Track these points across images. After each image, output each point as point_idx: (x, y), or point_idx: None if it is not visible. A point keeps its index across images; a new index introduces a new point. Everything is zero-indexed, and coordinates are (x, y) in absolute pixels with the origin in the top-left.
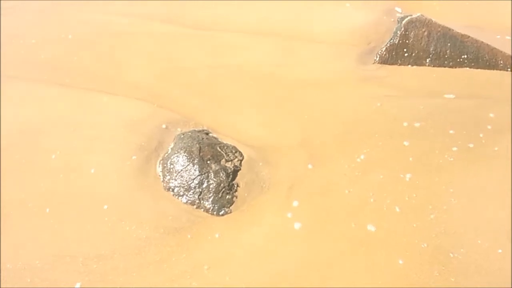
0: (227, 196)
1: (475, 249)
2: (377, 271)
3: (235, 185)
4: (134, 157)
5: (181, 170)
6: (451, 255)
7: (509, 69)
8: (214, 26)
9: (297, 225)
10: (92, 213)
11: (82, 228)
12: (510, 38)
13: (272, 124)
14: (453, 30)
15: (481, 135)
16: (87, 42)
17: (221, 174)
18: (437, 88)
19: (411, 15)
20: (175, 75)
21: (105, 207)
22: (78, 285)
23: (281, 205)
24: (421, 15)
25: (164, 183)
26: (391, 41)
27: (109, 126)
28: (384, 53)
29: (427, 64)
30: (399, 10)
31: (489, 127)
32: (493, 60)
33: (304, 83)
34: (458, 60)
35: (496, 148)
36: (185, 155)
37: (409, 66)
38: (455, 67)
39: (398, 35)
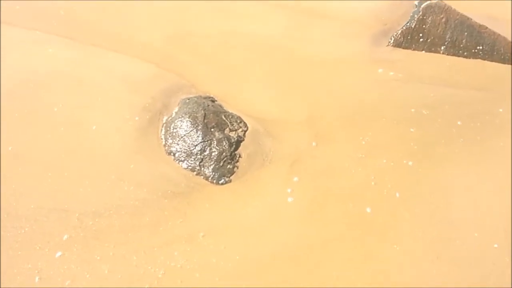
0: (228, 166)
1: (472, 241)
2: (371, 254)
3: (237, 155)
4: (137, 118)
5: (184, 135)
6: (447, 245)
7: None
8: None
9: (295, 201)
10: (91, 169)
11: (80, 184)
12: None
13: (279, 98)
14: (471, 19)
15: (488, 129)
16: None
17: (224, 143)
18: (449, 77)
19: (430, 0)
20: (185, 39)
21: (104, 164)
22: (65, 237)
23: (281, 180)
24: (440, 0)
25: (165, 146)
26: (408, 24)
27: (114, 85)
28: (399, 36)
29: (441, 52)
30: None
31: (497, 121)
32: (508, 54)
33: (315, 59)
34: (473, 50)
35: (501, 144)
36: (189, 121)
37: (423, 52)
38: (469, 58)
39: (415, 19)
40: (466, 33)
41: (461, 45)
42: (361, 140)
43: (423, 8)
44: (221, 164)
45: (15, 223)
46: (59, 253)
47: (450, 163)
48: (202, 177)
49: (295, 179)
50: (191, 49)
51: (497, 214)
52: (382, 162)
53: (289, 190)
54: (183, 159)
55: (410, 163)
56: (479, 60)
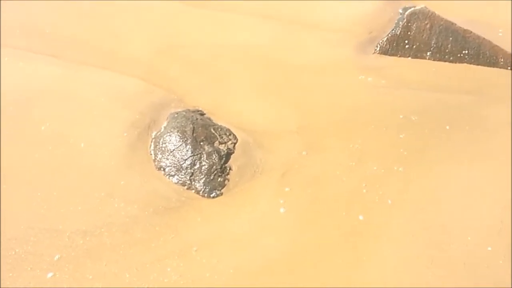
0: (219, 179)
1: (465, 245)
2: (365, 261)
3: (228, 168)
4: (125, 134)
5: (174, 149)
6: (440, 249)
7: (509, 68)
8: (217, 6)
9: (287, 212)
10: (81, 187)
11: (70, 202)
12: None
13: (269, 109)
14: (455, 24)
15: (477, 133)
16: (85, 14)
17: (214, 156)
18: (436, 82)
19: (414, 7)
20: (174, 52)
21: (94, 182)
22: (57, 257)
23: (273, 191)
24: (425, 7)
25: (155, 162)
26: (393, 31)
27: (102, 102)
28: (385, 43)
29: (427, 58)
30: None
31: (485, 125)
32: (494, 57)
33: (303, 69)
34: (459, 55)
35: (490, 146)
36: (178, 135)
37: (409, 58)
38: (455, 62)
39: (400, 26)
40: (451, 38)
41: (447, 50)
42: (351, 148)
43: (407, 15)
44: (211, 178)
45: (6, 244)
46: (50, 274)
47: (441, 168)
48: (193, 191)
49: (287, 189)
50: (179, 63)
51: (490, 217)
52: (373, 169)
53: (281, 201)
54: (173, 173)
55: (400, 169)
56: (465, 64)
